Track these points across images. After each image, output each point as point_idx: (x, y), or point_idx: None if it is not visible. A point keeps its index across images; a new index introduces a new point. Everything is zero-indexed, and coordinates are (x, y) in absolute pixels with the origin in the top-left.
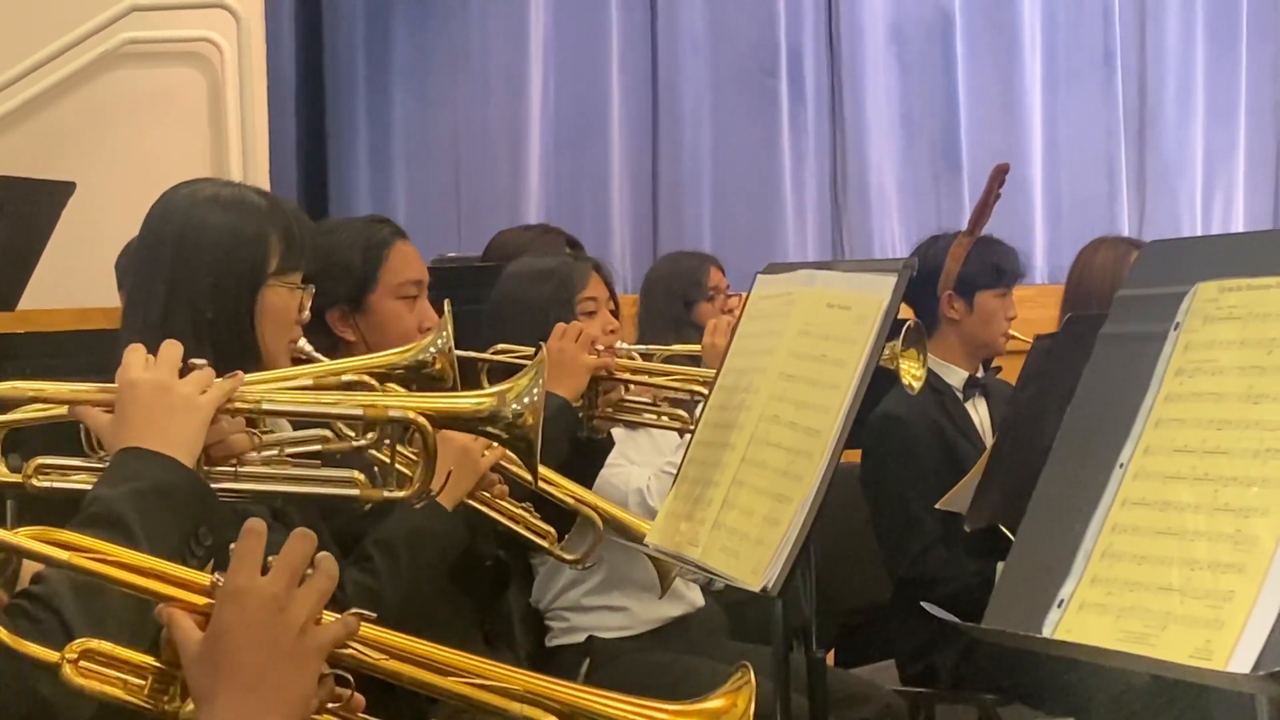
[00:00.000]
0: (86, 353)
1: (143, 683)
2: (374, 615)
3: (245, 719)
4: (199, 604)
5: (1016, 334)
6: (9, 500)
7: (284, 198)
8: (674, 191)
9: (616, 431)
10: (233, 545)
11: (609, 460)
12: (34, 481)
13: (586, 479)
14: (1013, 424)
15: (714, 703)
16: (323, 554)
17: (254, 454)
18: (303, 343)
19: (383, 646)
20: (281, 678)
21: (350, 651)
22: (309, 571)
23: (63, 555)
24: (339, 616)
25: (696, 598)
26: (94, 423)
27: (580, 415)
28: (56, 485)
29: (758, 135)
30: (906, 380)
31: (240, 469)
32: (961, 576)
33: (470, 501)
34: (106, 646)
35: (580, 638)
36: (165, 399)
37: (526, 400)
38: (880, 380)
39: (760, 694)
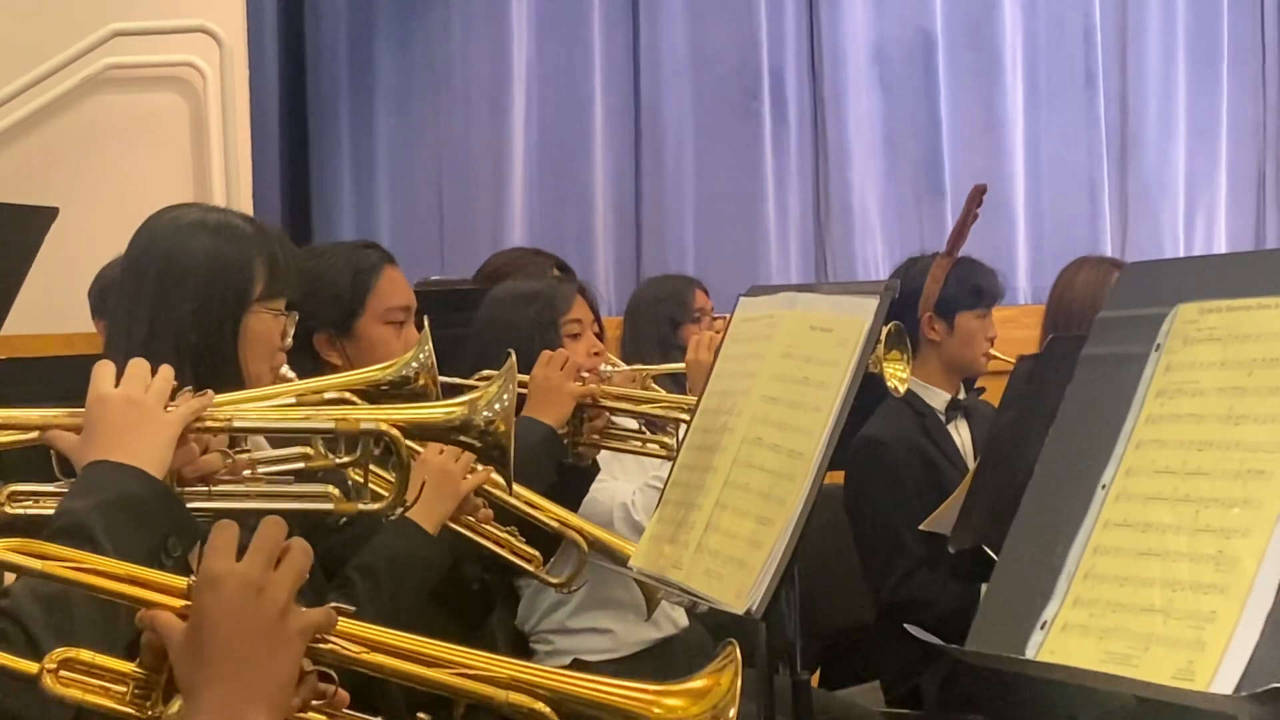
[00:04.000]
0: (69, 379)
1: (124, 689)
2: (353, 609)
3: (230, 707)
4: (176, 606)
5: (998, 354)
6: None
7: (268, 223)
8: (657, 214)
9: (603, 454)
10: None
11: (596, 481)
12: (6, 509)
13: (572, 504)
14: (995, 446)
15: (699, 682)
16: (295, 538)
17: (227, 474)
18: (285, 369)
19: (364, 640)
20: (264, 661)
21: (331, 646)
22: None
23: (38, 565)
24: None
25: (681, 619)
26: (64, 445)
27: (565, 442)
28: (30, 512)
29: (740, 157)
30: (892, 384)
31: (214, 488)
32: (945, 598)
33: (454, 525)
34: (86, 655)
35: (566, 660)
36: (132, 413)
37: (497, 407)
38: (863, 402)
39: (744, 716)
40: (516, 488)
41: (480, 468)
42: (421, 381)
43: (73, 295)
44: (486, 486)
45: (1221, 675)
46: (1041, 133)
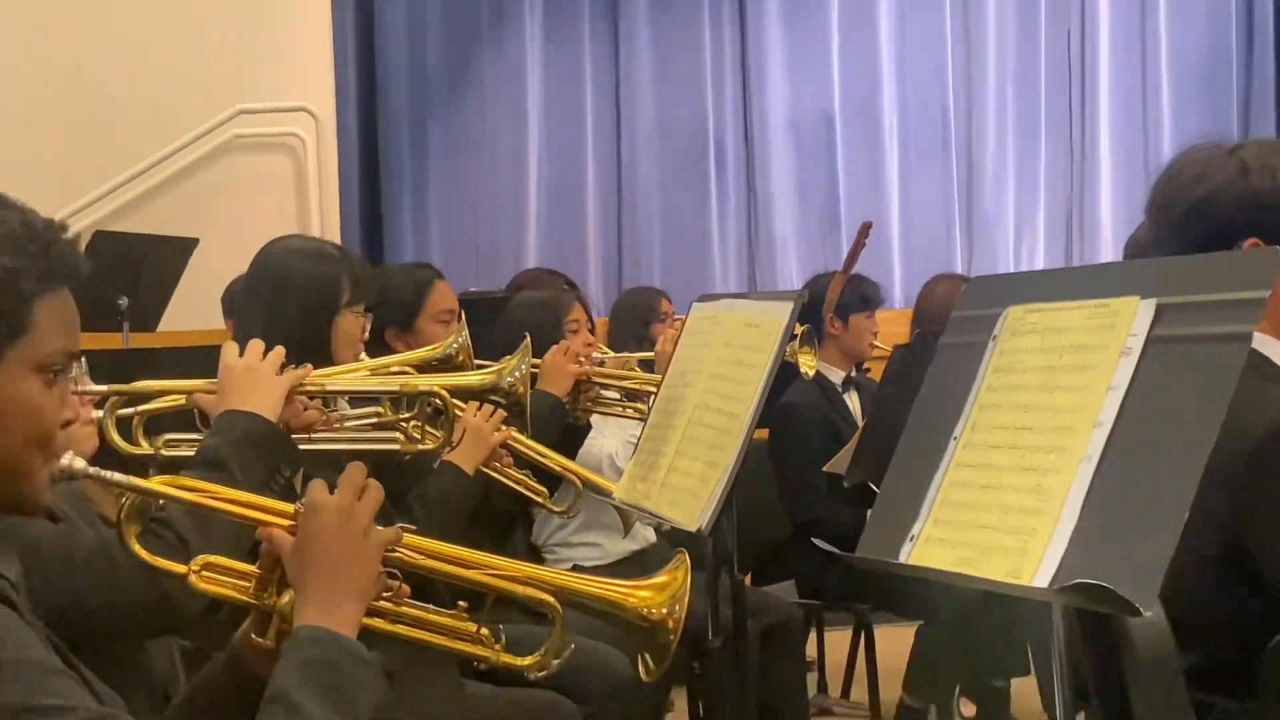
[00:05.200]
0: (206, 362)
1: (248, 584)
2: (415, 528)
3: (329, 599)
4: (285, 525)
5: (880, 345)
6: (150, 468)
7: (351, 249)
8: (633, 242)
9: (595, 417)
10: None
11: (589, 437)
12: (163, 452)
13: (571, 454)
14: (878, 410)
15: (661, 579)
16: (371, 479)
17: (322, 426)
18: (363, 356)
19: (421, 550)
20: (352, 565)
21: (398, 555)
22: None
23: (187, 495)
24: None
25: (650, 536)
26: (204, 403)
27: (566, 408)
28: (180, 453)
29: (693, 201)
30: (804, 369)
31: (312, 435)
32: (841, 520)
33: (485, 469)
34: (221, 560)
35: (567, 566)
36: (251, 376)
37: (517, 374)
38: (782, 379)
39: (696, 607)
40: (530, 441)
41: (504, 428)
42: (460, 358)
43: (209, 302)
44: (509, 441)
45: (1039, 574)
46: (911, 184)
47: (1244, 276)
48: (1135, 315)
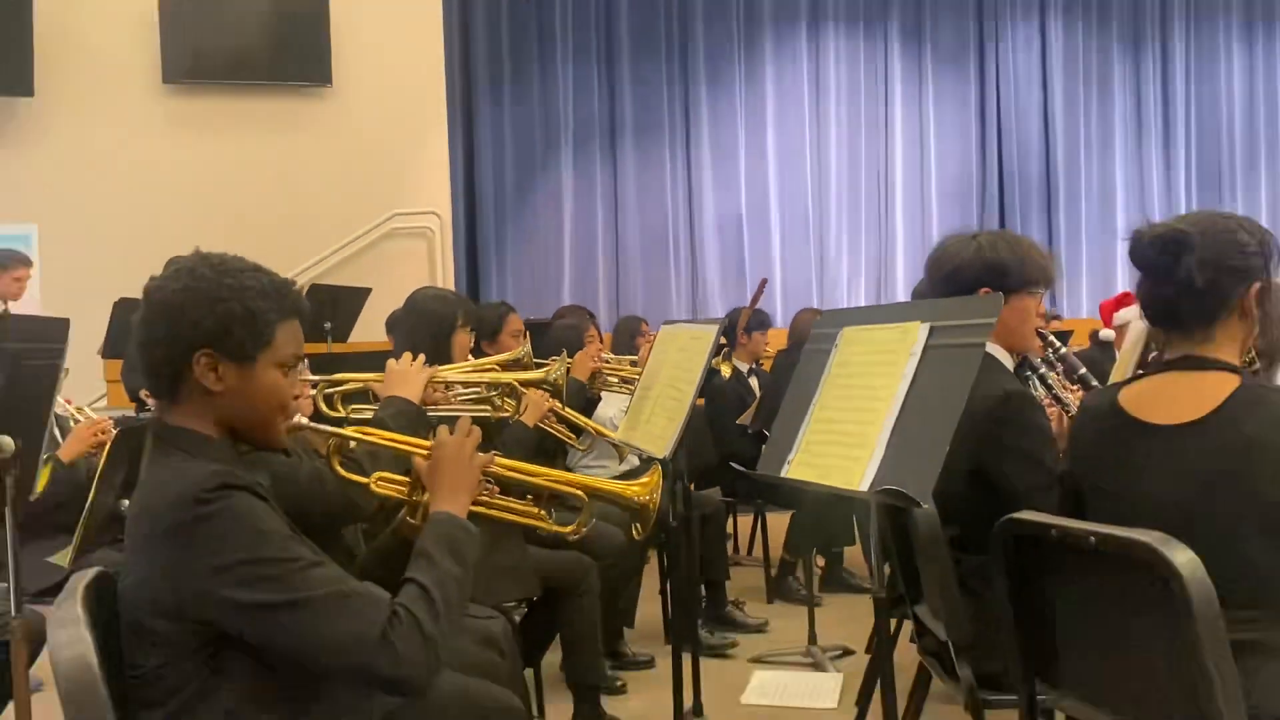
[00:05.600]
0: (376, 363)
1: (404, 489)
2: (499, 454)
3: (450, 496)
4: (423, 454)
5: (770, 351)
6: (342, 424)
7: (461, 294)
8: (626, 289)
9: (603, 394)
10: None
11: (599, 405)
12: (350, 415)
13: (589, 415)
14: (769, 390)
15: (645, 480)
16: (474, 427)
17: (442, 400)
18: (469, 357)
19: (505, 467)
20: (464, 475)
21: (492, 470)
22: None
23: (364, 438)
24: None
25: (635, 461)
26: (375, 389)
27: (586, 388)
28: (361, 416)
29: (661, 270)
30: (724, 370)
31: (436, 406)
32: (748, 452)
33: (540, 425)
34: (387, 475)
35: None
36: (404, 373)
37: (557, 374)
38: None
39: (663, 502)
40: (565, 408)
41: (550, 400)
42: (525, 360)
43: (378, 325)
44: (552, 408)
45: (862, 483)
46: (788, 254)
47: (980, 311)
48: (918, 333)
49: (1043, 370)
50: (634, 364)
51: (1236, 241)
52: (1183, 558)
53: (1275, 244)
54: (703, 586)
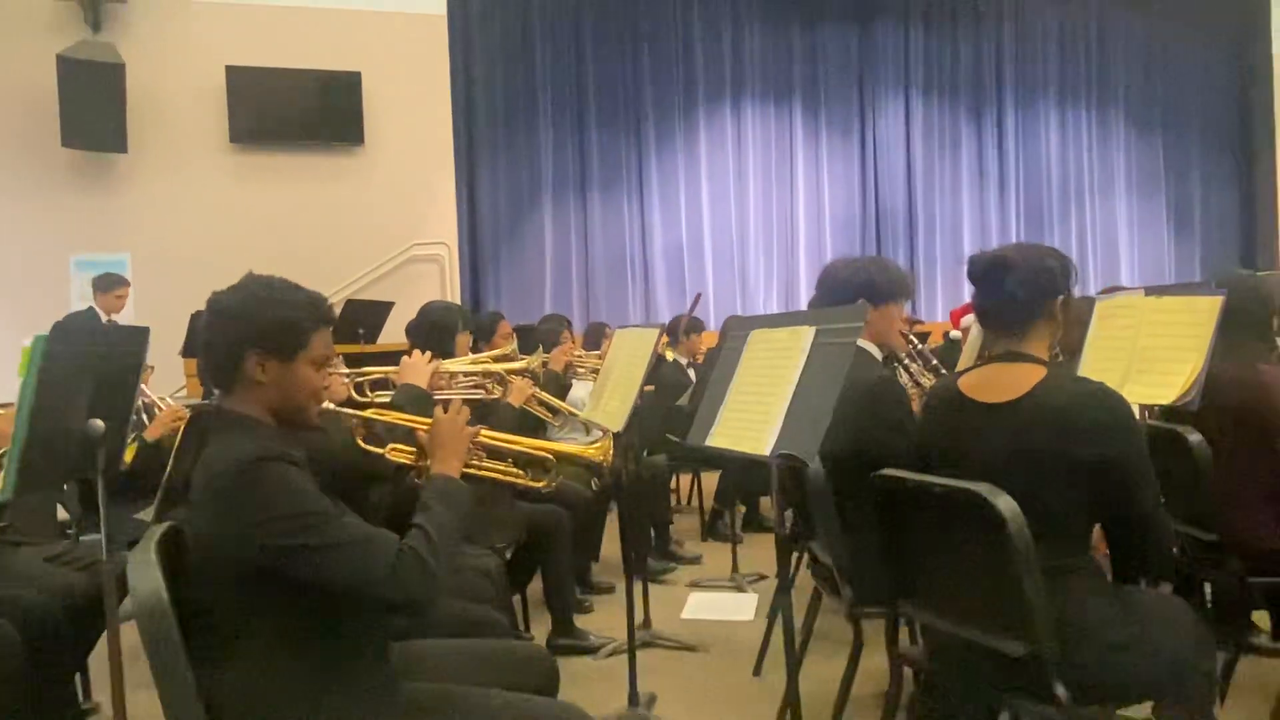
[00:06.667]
0: (397, 360)
1: (413, 455)
2: (485, 427)
3: (445, 461)
4: (425, 428)
5: (704, 349)
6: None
7: (464, 306)
8: (594, 302)
9: (574, 380)
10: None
11: (570, 389)
12: (375, 400)
13: (562, 397)
14: (702, 378)
15: (601, 443)
16: (465, 407)
17: (445, 386)
18: (468, 353)
19: (491, 437)
20: (456, 444)
21: (480, 439)
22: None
23: (382, 417)
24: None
25: (597, 433)
26: (393, 379)
27: (561, 375)
28: (383, 400)
29: (620, 287)
30: (670, 358)
31: (439, 393)
32: (686, 426)
33: (524, 406)
34: (400, 445)
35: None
36: (415, 366)
37: (536, 365)
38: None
39: (617, 465)
40: (543, 393)
41: (532, 388)
42: (512, 356)
43: (399, 330)
44: (534, 394)
45: (767, 448)
46: (719, 277)
47: (853, 316)
48: (808, 335)
49: (906, 362)
50: (600, 358)
51: (1046, 266)
52: (1004, 503)
53: (1074, 268)
54: (651, 529)
